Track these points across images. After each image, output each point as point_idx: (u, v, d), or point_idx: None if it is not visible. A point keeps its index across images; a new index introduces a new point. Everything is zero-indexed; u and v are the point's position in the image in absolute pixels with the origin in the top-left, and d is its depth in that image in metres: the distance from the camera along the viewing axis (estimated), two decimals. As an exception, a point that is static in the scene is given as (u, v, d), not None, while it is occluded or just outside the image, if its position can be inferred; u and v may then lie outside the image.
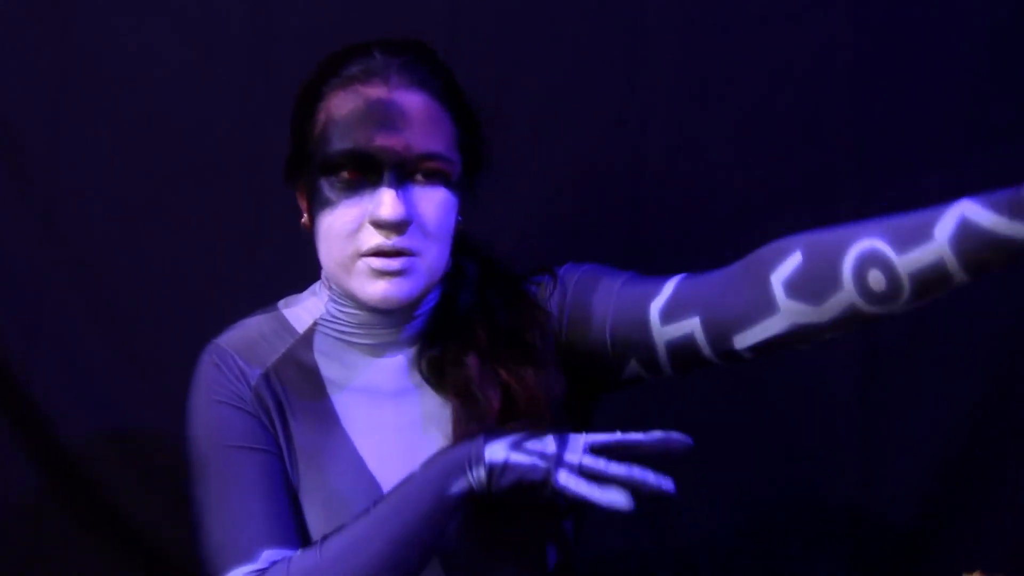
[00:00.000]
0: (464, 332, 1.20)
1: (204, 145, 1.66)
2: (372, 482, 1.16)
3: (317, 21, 1.66)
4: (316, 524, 1.16)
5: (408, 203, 1.13)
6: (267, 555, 1.11)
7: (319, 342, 1.22)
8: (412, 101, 1.14)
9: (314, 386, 1.20)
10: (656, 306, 1.16)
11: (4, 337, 1.64)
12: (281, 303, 1.27)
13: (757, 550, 1.68)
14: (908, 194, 1.65)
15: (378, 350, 1.21)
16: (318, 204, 1.16)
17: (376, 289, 1.14)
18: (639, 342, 1.17)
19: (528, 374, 1.18)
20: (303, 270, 1.31)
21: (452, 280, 1.22)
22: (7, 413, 1.62)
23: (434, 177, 1.15)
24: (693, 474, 1.67)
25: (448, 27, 1.64)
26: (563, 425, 1.14)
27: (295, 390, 1.20)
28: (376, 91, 1.13)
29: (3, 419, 1.62)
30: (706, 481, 1.67)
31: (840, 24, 1.67)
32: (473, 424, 1.15)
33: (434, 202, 1.15)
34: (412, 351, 1.22)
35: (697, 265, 1.44)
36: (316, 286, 1.26)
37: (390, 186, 1.12)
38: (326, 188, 1.15)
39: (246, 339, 1.22)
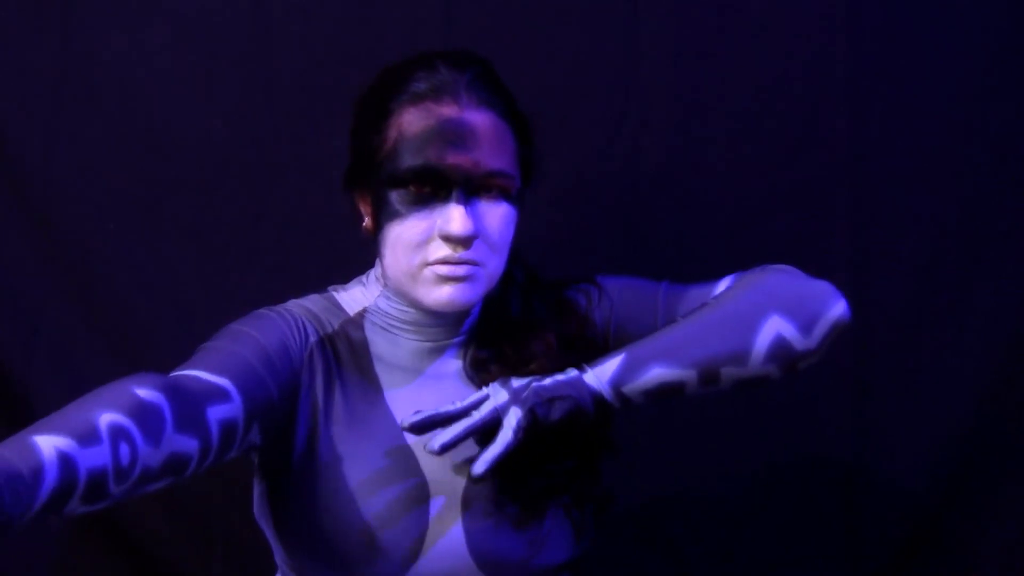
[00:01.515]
0: (516, 339, 1.26)
1: (201, 152, 1.66)
2: (409, 454, 1.21)
3: (315, 30, 1.67)
4: (358, 490, 1.18)
5: (475, 218, 1.18)
6: (229, 384, 1.10)
7: (368, 325, 1.27)
8: (481, 120, 1.18)
9: (363, 360, 1.25)
10: None
11: (1, 345, 1.64)
12: (331, 288, 1.31)
13: (752, 554, 1.68)
14: (902, 201, 1.68)
15: (425, 343, 1.26)
16: (386, 215, 1.20)
17: (441, 294, 1.19)
18: None
19: None
20: (300, 275, 1.32)
21: (502, 284, 1.27)
22: (4, 421, 1.62)
23: (498, 192, 1.20)
24: (689, 477, 1.69)
25: (444, 37, 1.65)
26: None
27: (345, 361, 1.25)
28: (447, 110, 1.18)
29: (0, 427, 1.62)
30: (701, 486, 1.68)
31: (835, 33, 1.68)
32: None
33: (498, 216, 1.20)
34: (458, 348, 1.27)
35: (693, 271, 1.44)
36: (364, 278, 1.31)
37: (459, 202, 1.17)
38: (395, 200, 1.19)
39: (306, 308, 1.27)
